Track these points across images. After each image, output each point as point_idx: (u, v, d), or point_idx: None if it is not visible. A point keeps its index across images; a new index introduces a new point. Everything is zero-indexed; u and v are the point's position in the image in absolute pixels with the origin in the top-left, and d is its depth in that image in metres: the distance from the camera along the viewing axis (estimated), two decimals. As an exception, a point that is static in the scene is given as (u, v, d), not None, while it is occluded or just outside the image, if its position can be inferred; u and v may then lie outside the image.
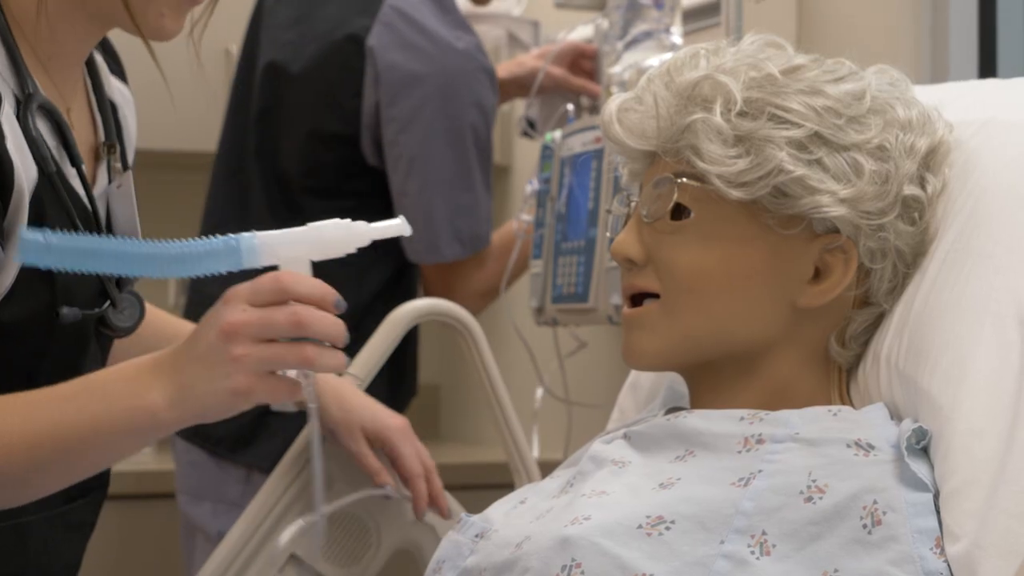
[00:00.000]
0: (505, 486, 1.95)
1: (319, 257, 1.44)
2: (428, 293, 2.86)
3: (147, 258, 1.39)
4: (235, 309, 1.42)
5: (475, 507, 1.65)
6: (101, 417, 1.44)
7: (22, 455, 1.43)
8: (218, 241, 1.40)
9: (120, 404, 1.44)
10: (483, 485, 2.11)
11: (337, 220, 1.46)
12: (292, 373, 1.46)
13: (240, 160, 2.83)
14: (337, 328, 1.44)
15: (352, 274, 2.75)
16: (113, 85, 1.74)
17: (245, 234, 1.41)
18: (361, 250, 2.80)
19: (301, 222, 2.53)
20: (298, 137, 2.76)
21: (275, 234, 1.43)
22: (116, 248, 1.37)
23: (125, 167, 1.68)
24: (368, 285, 2.73)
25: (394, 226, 1.49)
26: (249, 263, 1.42)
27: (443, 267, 2.81)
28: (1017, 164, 1.52)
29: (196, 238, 1.40)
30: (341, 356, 1.45)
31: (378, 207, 2.77)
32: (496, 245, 2.85)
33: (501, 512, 1.55)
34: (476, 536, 1.52)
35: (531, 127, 3.03)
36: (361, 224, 1.46)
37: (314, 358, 1.43)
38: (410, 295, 2.83)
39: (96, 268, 1.39)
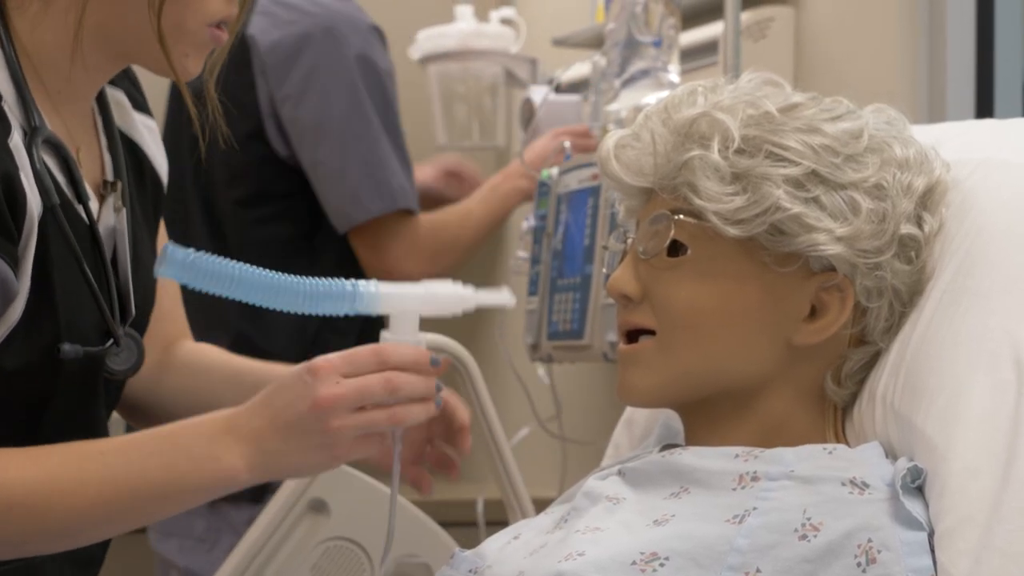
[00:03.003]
0: (499, 523, 1.94)
1: (428, 312, 1.50)
2: (363, 265, 2.88)
3: (275, 290, 1.44)
4: (328, 382, 1.46)
5: (469, 543, 1.64)
6: (182, 476, 1.48)
7: (100, 506, 1.46)
8: (340, 284, 1.46)
9: (201, 465, 1.47)
10: (477, 522, 2.10)
11: (450, 282, 1.53)
12: None
13: (179, 184, 2.85)
14: (426, 387, 1.50)
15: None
16: (136, 119, 1.73)
17: (366, 282, 1.47)
18: (295, 253, 2.84)
19: (231, 236, 2.56)
20: (218, 149, 2.80)
21: (392, 286, 1.49)
22: (250, 276, 1.43)
23: (125, 204, 1.67)
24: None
25: (500, 297, 1.55)
26: (364, 309, 1.47)
27: (368, 232, 2.84)
28: (1014, 204, 1.52)
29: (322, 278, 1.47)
30: (429, 406, 1.51)
31: (305, 207, 2.81)
32: (444, 216, 2.91)
33: (495, 548, 1.55)
34: (470, 572, 1.51)
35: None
36: (468, 290, 1.53)
37: (404, 416, 1.49)
38: None
39: (228, 292, 1.44)
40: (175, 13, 1.52)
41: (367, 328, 2.68)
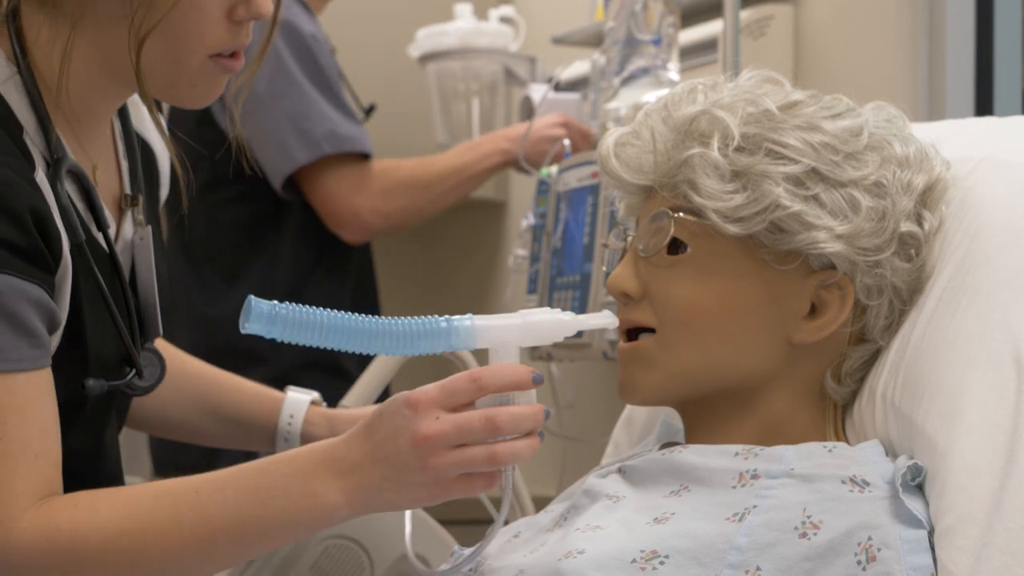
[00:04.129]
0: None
1: (528, 343, 1.45)
2: (317, 212, 2.92)
3: (366, 334, 1.39)
4: (428, 417, 1.40)
5: (469, 541, 1.64)
6: (280, 514, 1.43)
7: (195, 546, 1.43)
8: (433, 322, 1.41)
9: (299, 503, 1.43)
10: (477, 520, 2.10)
11: (547, 309, 1.46)
12: None
13: None
14: (532, 419, 1.42)
15: (263, 266, 2.83)
16: (144, 115, 1.72)
17: (461, 318, 1.42)
18: (259, 231, 2.88)
19: (195, 221, 2.54)
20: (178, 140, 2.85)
21: (489, 319, 1.43)
22: (337, 323, 1.38)
23: (147, 220, 1.66)
24: (282, 272, 2.82)
25: (601, 319, 1.50)
26: (461, 346, 1.42)
27: (311, 180, 2.88)
28: (1013, 202, 1.52)
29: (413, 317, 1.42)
30: (532, 442, 1.43)
31: (262, 185, 2.88)
32: (403, 160, 2.95)
33: (495, 546, 1.55)
34: (470, 570, 1.51)
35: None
36: (568, 315, 1.46)
37: (505, 456, 1.41)
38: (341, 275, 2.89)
39: (317, 341, 1.39)
40: (172, 49, 1.49)
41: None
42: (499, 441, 1.41)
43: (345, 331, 1.39)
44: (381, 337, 1.40)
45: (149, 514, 1.43)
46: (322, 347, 1.40)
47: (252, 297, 1.38)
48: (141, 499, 1.44)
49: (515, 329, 1.44)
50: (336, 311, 1.40)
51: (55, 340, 1.48)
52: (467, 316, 1.42)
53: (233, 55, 1.53)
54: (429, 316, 1.42)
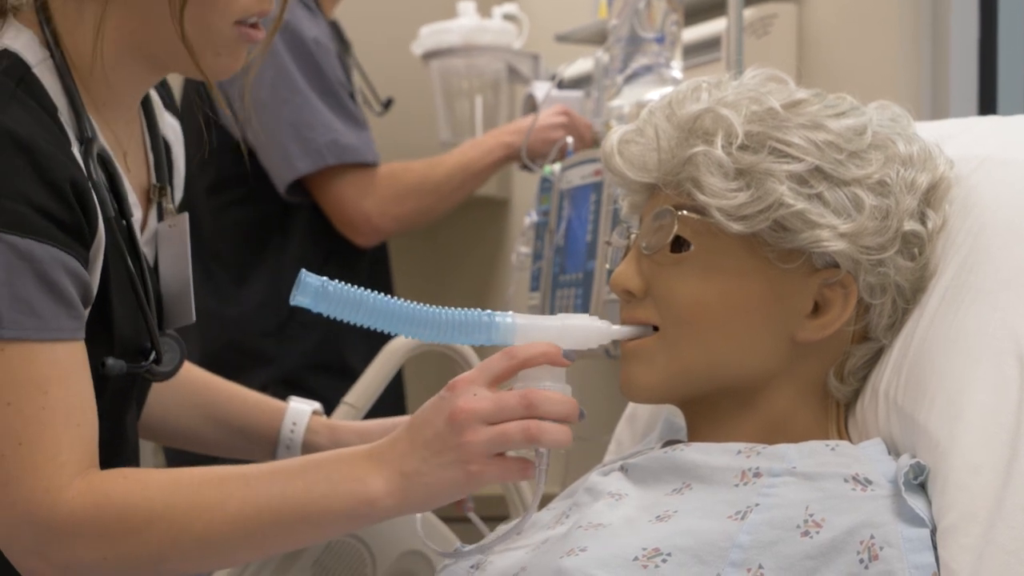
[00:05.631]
0: (500, 519, 1.94)
1: (565, 346, 1.47)
2: (328, 216, 2.94)
3: (410, 320, 1.42)
4: (466, 394, 1.43)
5: (471, 538, 1.64)
6: (324, 498, 1.45)
7: (240, 524, 1.45)
8: (475, 315, 1.44)
9: (342, 488, 1.45)
10: (479, 517, 2.10)
11: (585, 315, 1.49)
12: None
13: None
14: (567, 406, 1.45)
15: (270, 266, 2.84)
16: (167, 121, 1.74)
17: (503, 315, 1.45)
18: (266, 233, 2.90)
19: (205, 222, 2.54)
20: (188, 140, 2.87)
21: (529, 318, 1.47)
22: (381, 306, 1.41)
23: (178, 210, 1.67)
24: (289, 273, 2.86)
25: (636, 331, 1.53)
26: (500, 341, 1.45)
27: (321, 185, 2.89)
28: (1016, 201, 1.52)
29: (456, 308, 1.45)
30: (568, 431, 1.46)
31: (269, 187, 2.89)
32: (410, 162, 2.97)
33: (497, 544, 1.55)
34: (472, 567, 1.51)
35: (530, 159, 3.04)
36: (605, 323, 1.50)
37: (539, 432, 1.43)
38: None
39: (360, 320, 1.41)
40: (199, 15, 1.52)
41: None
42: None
43: (388, 314, 1.41)
44: (423, 324, 1.43)
45: (196, 491, 1.45)
46: (364, 326, 1.42)
47: (304, 271, 1.40)
48: (189, 477, 1.47)
49: (553, 330, 1.47)
50: (383, 295, 1.42)
51: (85, 315, 1.49)
52: (508, 313, 1.45)
53: (253, 25, 1.56)
54: (471, 309, 1.44)
